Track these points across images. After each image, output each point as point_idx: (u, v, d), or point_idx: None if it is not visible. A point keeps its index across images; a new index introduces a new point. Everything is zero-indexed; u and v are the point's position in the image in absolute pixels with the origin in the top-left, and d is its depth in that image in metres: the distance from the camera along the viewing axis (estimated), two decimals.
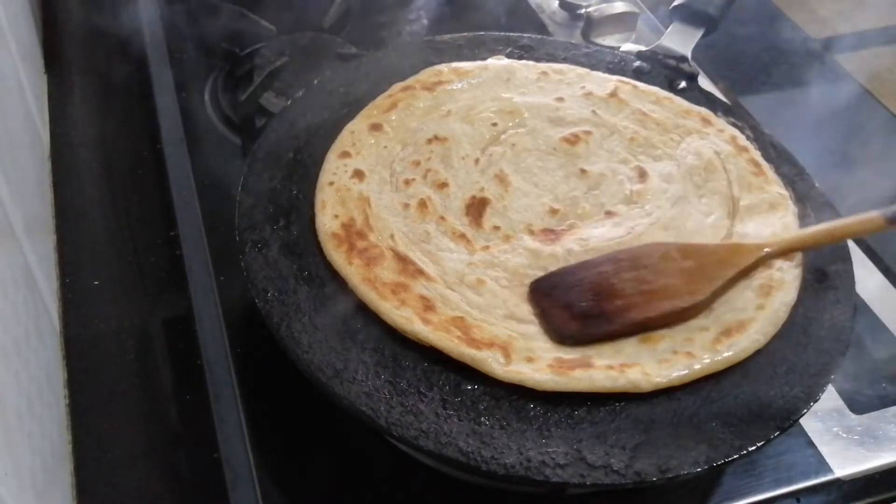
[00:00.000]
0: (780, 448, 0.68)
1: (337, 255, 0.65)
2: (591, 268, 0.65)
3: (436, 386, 0.59)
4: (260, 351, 0.70)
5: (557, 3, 1.10)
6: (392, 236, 0.67)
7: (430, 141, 0.76)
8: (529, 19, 1.09)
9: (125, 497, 0.65)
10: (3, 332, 0.58)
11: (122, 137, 0.91)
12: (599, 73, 0.85)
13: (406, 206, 0.70)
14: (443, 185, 0.72)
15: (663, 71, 0.86)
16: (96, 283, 0.78)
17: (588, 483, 0.55)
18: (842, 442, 0.69)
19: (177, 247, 0.79)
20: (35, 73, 0.95)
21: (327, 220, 0.68)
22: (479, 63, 0.84)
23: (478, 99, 0.80)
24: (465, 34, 0.88)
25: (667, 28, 0.91)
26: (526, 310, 0.64)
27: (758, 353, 0.63)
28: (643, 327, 0.62)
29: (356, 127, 0.76)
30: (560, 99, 0.81)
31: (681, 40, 0.89)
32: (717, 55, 1.03)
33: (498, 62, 0.84)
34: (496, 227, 0.70)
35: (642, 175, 0.75)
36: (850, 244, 0.73)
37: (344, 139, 0.75)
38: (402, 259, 0.65)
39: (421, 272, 0.65)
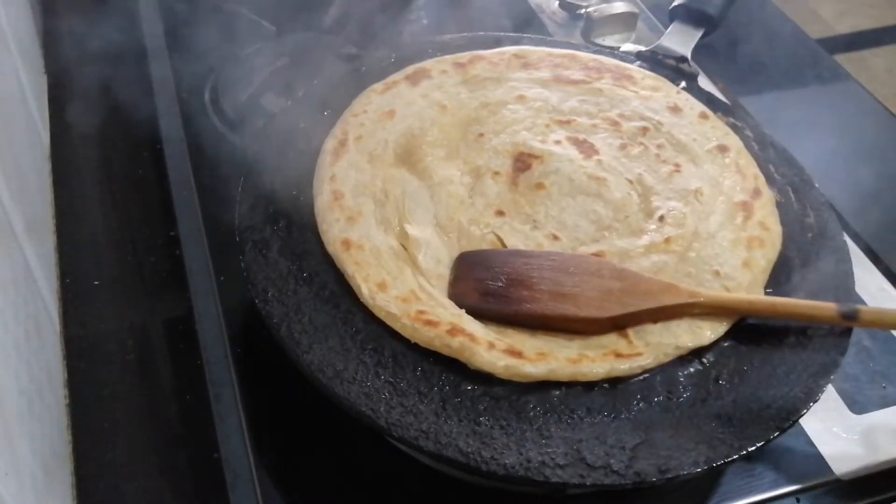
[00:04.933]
0: (780, 448, 0.68)
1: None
2: (519, 256, 0.67)
3: (435, 386, 0.59)
4: (260, 351, 0.70)
5: (557, 3, 1.10)
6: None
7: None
8: (529, 19, 1.09)
9: (125, 497, 0.65)
10: (3, 332, 0.58)
11: (122, 137, 0.91)
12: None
13: None
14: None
15: (663, 71, 0.86)
16: (96, 283, 0.78)
17: (588, 483, 0.55)
18: (842, 442, 0.69)
19: (177, 247, 0.79)
20: (35, 73, 0.95)
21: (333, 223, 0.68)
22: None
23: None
24: (465, 34, 0.88)
25: (667, 28, 0.91)
26: None
27: (756, 354, 0.63)
28: (538, 322, 0.64)
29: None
30: None
31: (681, 40, 0.89)
32: (717, 55, 1.03)
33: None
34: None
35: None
36: (850, 244, 0.73)
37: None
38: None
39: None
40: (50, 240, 0.81)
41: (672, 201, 0.72)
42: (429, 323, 0.61)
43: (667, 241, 0.69)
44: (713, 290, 0.66)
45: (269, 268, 0.65)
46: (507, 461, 0.55)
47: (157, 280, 0.79)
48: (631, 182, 0.74)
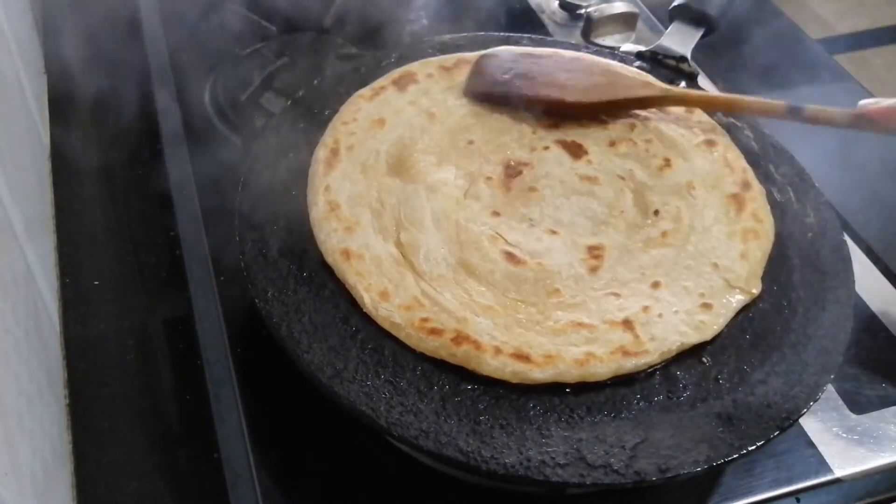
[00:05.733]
0: (780, 448, 0.68)
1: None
2: (528, 56, 0.81)
3: (435, 386, 0.59)
4: (260, 351, 0.70)
5: (557, 3, 1.10)
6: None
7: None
8: (529, 19, 1.09)
9: (125, 497, 0.65)
10: (3, 332, 0.58)
11: (122, 137, 0.91)
12: None
13: None
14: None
15: (663, 71, 0.86)
16: (96, 283, 0.78)
17: (588, 483, 0.55)
18: (842, 442, 0.69)
19: (177, 247, 0.79)
20: (35, 73, 0.95)
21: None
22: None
23: None
24: (465, 34, 0.88)
25: (667, 28, 0.91)
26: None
27: (756, 354, 0.63)
28: (531, 103, 0.78)
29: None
30: None
31: (681, 40, 0.89)
32: (717, 55, 1.03)
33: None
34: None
35: None
36: (850, 244, 0.73)
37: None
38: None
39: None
40: (50, 240, 0.81)
41: (666, 196, 0.73)
42: (433, 332, 0.61)
43: (664, 234, 0.70)
44: (678, 88, 0.81)
45: (269, 268, 0.65)
46: (507, 460, 0.55)
47: (157, 280, 0.79)
48: (623, 179, 0.74)
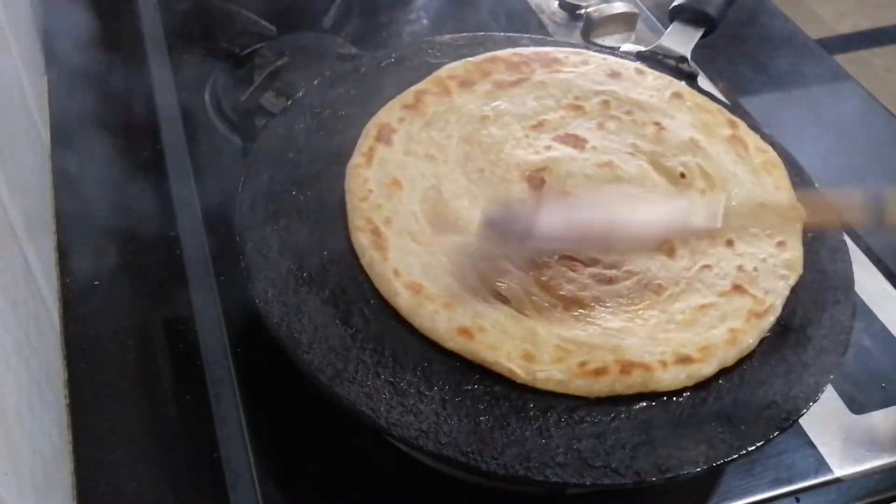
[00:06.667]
0: (780, 448, 0.68)
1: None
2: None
3: (436, 386, 0.59)
4: (260, 351, 0.70)
5: (557, 3, 1.10)
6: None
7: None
8: (529, 19, 1.09)
9: (125, 497, 0.65)
10: (3, 332, 0.58)
11: (122, 137, 0.91)
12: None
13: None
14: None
15: (663, 71, 0.86)
16: (96, 283, 0.78)
17: (588, 483, 0.55)
18: (842, 442, 0.69)
19: (177, 247, 0.79)
20: (35, 73, 0.95)
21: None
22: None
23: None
24: (465, 34, 0.88)
25: (667, 28, 0.91)
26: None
27: (756, 354, 0.63)
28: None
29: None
30: None
31: (680, 40, 0.89)
32: (717, 55, 1.03)
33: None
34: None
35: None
36: (850, 244, 0.73)
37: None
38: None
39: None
40: (50, 240, 0.81)
41: (679, 157, 0.74)
42: (598, 372, 0.59)
43: (704, 192, 0.71)
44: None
45: (269, 268, 0.65)
46: (507, 461, 0.55)
47: (157, 280, 0.79)
48: (632, 154, 0.75)
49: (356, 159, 0.72)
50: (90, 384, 0.71)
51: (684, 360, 0.60)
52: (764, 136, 0.80)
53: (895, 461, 0.68)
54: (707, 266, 0.67)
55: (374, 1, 1.07)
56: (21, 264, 0.67)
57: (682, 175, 0.73)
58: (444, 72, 0.80)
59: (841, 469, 0.67)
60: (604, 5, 1.05)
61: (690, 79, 0.86)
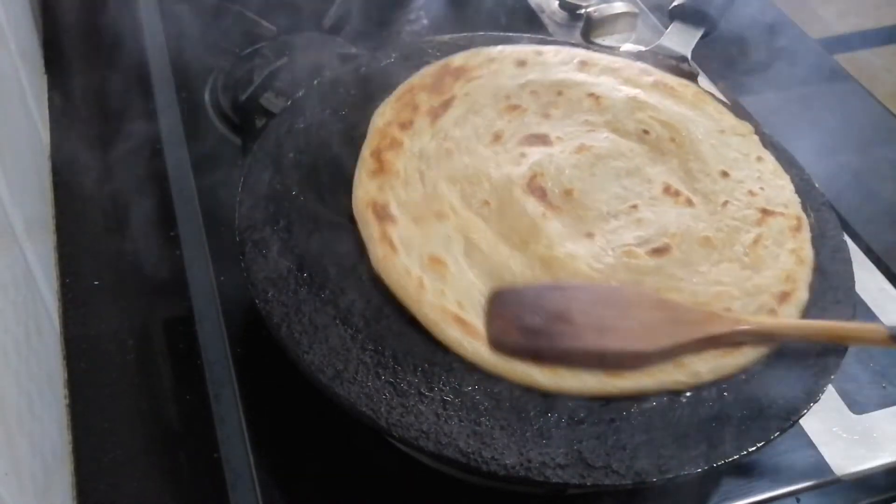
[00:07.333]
0: (780, 448, 0.68)
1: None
2: (555, 290, 0.64)
3: (436, 387, 0.59)
4: (260, 351, 0.70)
5: (557, 3, 1.10)
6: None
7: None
8: (529, 19, 1.09)
9: (125, 497, 0.65)
10: (3, 332, 0.58)
11: (122, 137, 0.91)
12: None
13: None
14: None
15: (664, 71, 0.86)
16: (96, 283, 0.78)
17: (588, 483, 0.55)
18: (842, 442, 0.69)
19: (177, 247, 0.79)
20: (35, 74, 0.95)
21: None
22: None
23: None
24: (465, 34, 0.88)
25: (667, 28, 0.91)
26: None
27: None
28: (580, 359, 0.60)
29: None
30: None
31: (681, 40, 0.89)
32: (717, 55, 1.03)
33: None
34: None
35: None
36: (850, 244, 0.73)
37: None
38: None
39: None
40: (50, 240, 0.81)
41: (632, 116, 0.77)
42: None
43: (672, 141, 0.75)
44: (758, 317, 0.64)
45: (269, 268, 0.65)
46: (507, 461, 0.55)
47: (157, 280, 0.79)
48: (593, 130, 0.77)
49: (379, 251, 0.66)
50: (90, 384, 0.71)
51: (783, 296, 0.65)
52: (764, 137, 0.80)
53: (895, 461, 0.68)
54: (726, 202, 0.71)
55: (373, 1, 1.07)
56: (21, 264, 0.67)
57: (646, 132, 0.76)
58: (378, 121, 0.76)
59: (841, 469, 0.67)
60: (604, 5, 1.05)
61: (690, 79, 0.86)
